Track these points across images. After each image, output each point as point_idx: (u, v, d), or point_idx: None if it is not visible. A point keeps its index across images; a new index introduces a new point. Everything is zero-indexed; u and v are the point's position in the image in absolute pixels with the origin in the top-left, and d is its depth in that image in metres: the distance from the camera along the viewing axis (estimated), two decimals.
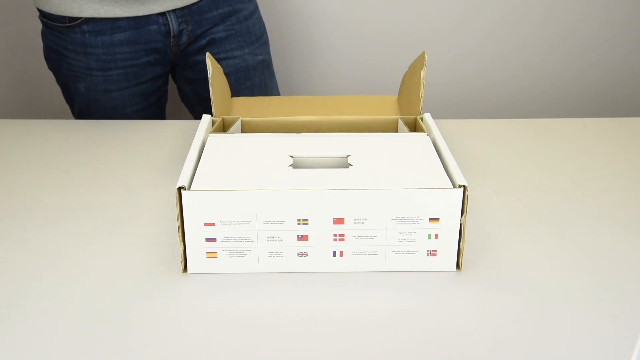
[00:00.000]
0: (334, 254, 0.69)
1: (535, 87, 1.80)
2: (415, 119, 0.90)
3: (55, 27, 1.14)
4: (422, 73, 0.89)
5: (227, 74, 1.23)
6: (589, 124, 1.14)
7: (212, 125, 0.88)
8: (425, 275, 0.70)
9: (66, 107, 1.78)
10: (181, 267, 0.71)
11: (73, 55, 1.15)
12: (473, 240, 0.76)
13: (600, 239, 0.77)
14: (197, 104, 1.29)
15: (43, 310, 0.64)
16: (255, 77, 1.26)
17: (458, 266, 0.71)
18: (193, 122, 1.13)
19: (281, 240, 0.68)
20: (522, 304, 0.65)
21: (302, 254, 0.69)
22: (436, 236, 0.69)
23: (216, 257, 0.69)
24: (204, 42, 1.19)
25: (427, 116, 0.89)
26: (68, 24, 1.11)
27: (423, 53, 0.90)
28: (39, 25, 1.68)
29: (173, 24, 1.14)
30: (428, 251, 0.69)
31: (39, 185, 0.90)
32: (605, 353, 0.58)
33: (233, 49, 1.21)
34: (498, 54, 1.75)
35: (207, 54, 0.90)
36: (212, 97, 0.89)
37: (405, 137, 0.81)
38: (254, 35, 1.25)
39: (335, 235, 0.68)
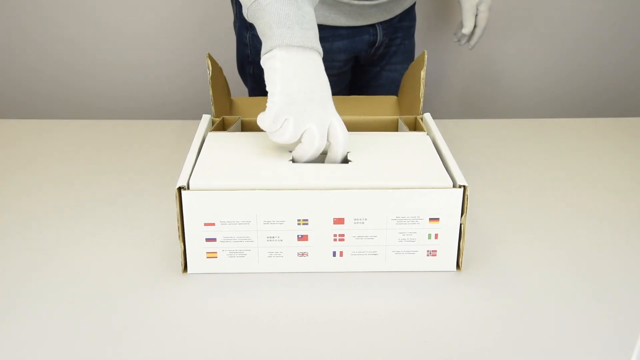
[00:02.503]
0: (334, 254, 0.69)
1: (535, 87, 1.80)
2: (415, 119, 0.90)
3: None
4: (422, 73, 0.89)
5: (381, 85, 1.25)
6: (589, 124, 1.14)
7: (212, 125, 0.88)
8: (425, 275, 0.70)
9: (66, 107, 1.78)
10: (181, 267, 0.71)
11: None
12: (473, 240, 0.76)
13: (600, 239, 0.77)
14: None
15: (43, 309, 0.64)
16: None
17: (458, 266, 0.71)
18: (193, 122, 1.13)
19: (281, 240, 0.68)
20: (521, 304, 0.65)
21: (302, 254, 0.69)
22: (436, 236, 0.69)
23: (216, 257, 0.69)
24: (384, 51, 1.22)
25: (427, 116, 0.89)
26: None
27: (423, 53, 0.90)
28: (39, 26, 1.68)
29: (380, 35, 1.17)
30: (428, 251, 0.69)
31: (39, 185, 0.90)
32: (605, 353, 0.58)
33: (398, 62, 1.24)
34: (498, 54, 1.75)
35: (207, 53, 0.89)
36: (212, 97, 0.89)
37: (405, 136, 0.81)
38: (412, 53, 1.28)
39: (335, 235, 0.68)
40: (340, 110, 0.97)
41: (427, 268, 0.70)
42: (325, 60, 1.15)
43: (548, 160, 0.99)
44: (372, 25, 1.15)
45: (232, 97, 1.00)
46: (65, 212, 0.83)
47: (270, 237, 0.68)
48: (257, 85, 1.20)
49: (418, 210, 0.67)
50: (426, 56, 0.89)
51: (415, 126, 0.91)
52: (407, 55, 1.25)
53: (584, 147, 1.04)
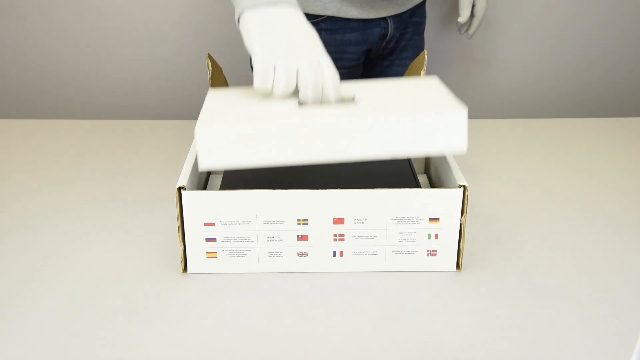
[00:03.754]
0: (334, 254, 0.69)
1: (536, 87, 1.80)
2: None
3: None
4: (422, 73, 0.89)
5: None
6: (589, 124, 1.14)
7: None
8: (425, 275, 0.70)
9: (66, 107, 1.78)
10: (181, 267, 0.71)
11: None
12: (473, 240, 0.76)
13: (600, 239, 0.77)
14: None
15: (43, 310, 0.64)
16: None
17: (458, 266, 0.71)
18: (193, 122, 1.13)
19: (281, 240, 0.68)
20: (521, 304, 0.65)
21: (302, 254, 0.69)
22: (436, 236, 0.69)
23: (216, 257, 0.69)
24: (394, 45, 1.22)
25: None
26: (311, 21, 1.15)
27: (423, 53, 0.90)
28: (39, 26, 1.68)
29: (390, 29, 1.18)
30: (428, 251, 0.69)
31: (39, 185, 0.90)
32: (605, 353, 0.58)
33: (408, 58, 1.25)
34: (498, 54, 1.75)
35: (207, 53, 0.89)
36: None
37: (414, 80, 0.78)
38: (421, 49, 1.29)
39: (335, 235, 0.68)
40: None
41: (427, 268, 0.70)
42: (337, 52, 1.17)
43: (548, 160, 0.99)
44: (384, 19, 1.16)
45: None
46: (65, 212, 0.83)
47: (270, 237, 0.68)
48: None
49: (418, 210, 0.67)
50: (426, 56, 0.89)
51: None
52: (416, 51, 1.26)
53: (584, 147, 1.04)
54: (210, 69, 0.89)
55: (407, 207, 0.67)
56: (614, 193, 0.89)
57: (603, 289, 0.68)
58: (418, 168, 0.87)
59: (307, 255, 0.69)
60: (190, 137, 1.06)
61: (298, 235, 0.68)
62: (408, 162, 0.80)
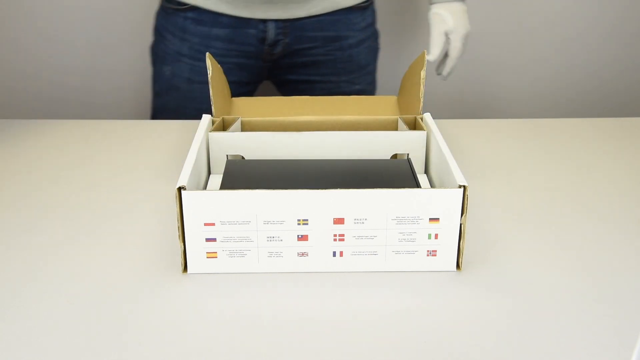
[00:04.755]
0: (334, 254, 0.69)
1: (535, 87, 1.80)
2: (415, 118, 0.90)
3: (164, 8, 1.18)
4: (422, 73, 0.89)
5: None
6: (589, 124, 1.14)
7: (212, 125, 0.88)
8: (425, 275, 0.70)
9: (66, 107, 1.78)
10: (181, 267, 0.71)
11: (170, 38, 1.18)
12: (473, 240, 0.76)
13: (600, 239, 0.77)
14: None
15: (42, 310, 0.64)
16: None
17: (458, 266, 0.71)
18: (193, 122, 1.13)
19: (281, 240, 0.68)
20: (521, 304, 0.65)
21: (302, 254, 0.69)
22: (436, 236, 0.69)
23: (216, 257, 0.69)
24: (299, 60, 1.18)
25: (427, 116, 0.89)
26: (175, 7, 1.15)
27: (423, 53, 0.90)
28: (38, 26, 1.68)
29: (270, 33, 1.14)
30: (428, 251, 0.69)
31: (39, 185, 0.90)
32: (605, 353, 0.58)
33: (329, 73, 1.19)
34: (498, 54, 1.75)
35: (207, 54, 0.89)
36: (212, 97, 0.89)
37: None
38: (356, 64, 1.21)
39: (335, 235, 0.68)
40: (340, 110, 0.97)
41: (427, 268, 0.70)
42: (202, 45, 1.14)
43: (548, 160, 0.99)
44: (262, 21, 1.12)
45: (232, 97, 1.00)
46: (65, 212, 0.83)
47: (270, 237, 0.68)
48: None
49: (418, 210, 0.67)
50: (426, 56, 0.89)
51: (415, 126, 0.91)
52: (347, 66, 1.19)
53: (584, 147, 1.04)
54: (211, 69, 0.89)
55: (407, 207, 0.67)
56: (614, 193, 0.89)
57: (603, 289, 0.68)
58: (418, 168, 0.87)
59: (307, 255, 0.69)
60: (190, 137, 1.06)
61: (298, 235, 0.68)
62: (408, 162, 0.80)
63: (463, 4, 1.13)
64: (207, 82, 1.17)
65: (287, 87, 1.24)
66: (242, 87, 1.21)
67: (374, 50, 1.25)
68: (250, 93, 1.25)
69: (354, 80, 1.23)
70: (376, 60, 1.27)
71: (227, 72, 1.17)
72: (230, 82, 1.18)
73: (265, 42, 1.15)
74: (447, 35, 1.13)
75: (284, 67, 1.20)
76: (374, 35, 1.24)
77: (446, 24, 1.12)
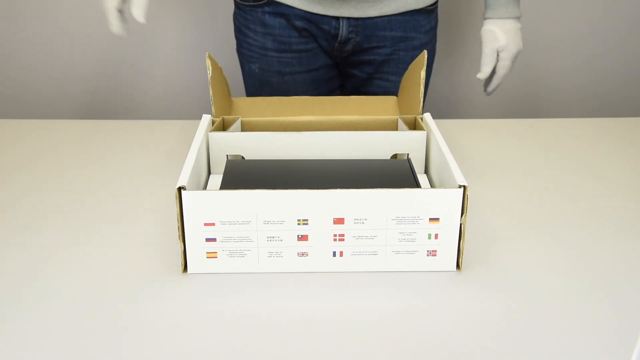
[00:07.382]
0: (334, 254, 0.69)
1: (536, 87, 1.80)
2: (415, 118, 0.90)
3: (242, 7, 1.19)
4: (422, 73, 0.89)
5: (374, 94, 1.22)
6: (590, 124, 1.14)
7: (212, 125, 0.88)
8: (425, 275, 0.70)
9: (66, 107, 1.78)
10: (181, 267, 0.71)
11: (252, 35, 1.19)
12: (473, 240, 0.76)
13: (600, 239, 0.77)
14: None
15: (42, 309, 0.64)
16: None
17: (458, 266, 0.71)
18: (193, 122, 1.13)
19: (281, 240, 0.68)
20: (521, 304, 0.65)
21: (302, 254, 0.69)
22: (436, 236, 0.69)
23: (216, 257, 0.69)
24: (365, 58, 1.19)
25: (427, 116, 0.89)
26: (252, 4, 1.16)
27: (423, 53, 0.90)
28: (38, 26, 1.68)
29: (343, 30, 1.15)
30: (428, 251, 0.69)
31: (39, 185, 0.90)
32: (605, 353, 0.58)
33: (390, 72, 1.21)
34: None
35: (207, 53, 0.89)
36: (212, 97, 0.89)
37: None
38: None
39: (335, 235, 0.68)
40: (340, 110, 0.97)
41: (427, 268, 0.70)
42: (283, 36, 1.15)
43: (548, 161, 0.99)
44: (336, 18, 1.14)
45: (232, 97, 1.00)
46: (65, 212, 0.83)
47: (270, 237, 0.68)
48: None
49: (418, 210, 0.67)
50: (426, 56, 0.89)
51: (415, 126, 0.91)
52: (404, 67, 1.21)
53: (584, 147, 1.04)
54: (210, 69, 0.89)
55: (407, 207, 0.67)
56: (614, 193, 0.89)
57: (603, 289, 0.68)
58: (418, 168, 0.87)
59: (307, 255, 0.69)
60: (190, 137, 1.06)
61: (298, 235, 0.68)
62: (408, 162, 0.80)
63: (517, 21, 1.13)
64: (297, 73, 1.19)
65: (346, 80, 1.26)
66: (330, 70, 1.23)
67: (432, 53, 1.26)
68: (338, 76, 1.26)
69: None
70: (432, 64, 1.29)
71: (312, 59, 1.19)
72: (319, 68, 1.20)
73: (337, 40, 1.17)
74: (498, 52, 1.14)
75: (349, 63, 1.23)
76: (435, 39, 1.26)
77: (498, 42, 1.12)
